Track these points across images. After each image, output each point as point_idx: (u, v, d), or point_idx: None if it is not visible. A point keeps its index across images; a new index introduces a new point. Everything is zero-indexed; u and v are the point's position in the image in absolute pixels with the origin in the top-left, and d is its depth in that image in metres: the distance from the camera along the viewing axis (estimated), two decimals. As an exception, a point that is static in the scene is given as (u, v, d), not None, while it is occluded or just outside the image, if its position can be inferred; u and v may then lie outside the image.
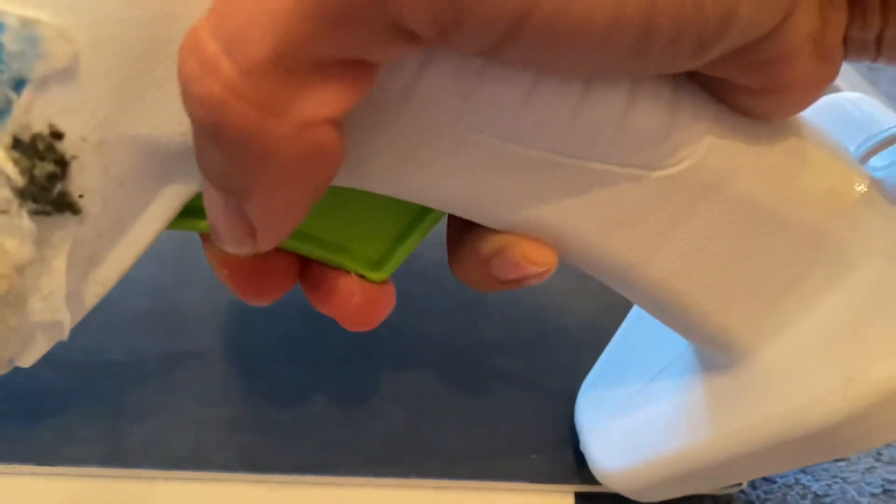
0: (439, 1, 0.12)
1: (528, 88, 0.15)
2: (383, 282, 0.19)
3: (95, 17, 0.14)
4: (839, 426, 0.17)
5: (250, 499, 0.25)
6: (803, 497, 0.27)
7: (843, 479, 0.27)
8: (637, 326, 0.26)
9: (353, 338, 0.28)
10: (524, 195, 0.17)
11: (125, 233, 0.17)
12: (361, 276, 0.19)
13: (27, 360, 0.18)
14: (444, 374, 0.28)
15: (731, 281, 0.19)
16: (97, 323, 0.27)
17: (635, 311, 0.27)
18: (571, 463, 0.26)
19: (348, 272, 0.19)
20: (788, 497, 0.27)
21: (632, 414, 0.24)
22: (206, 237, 0.18)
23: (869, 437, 0.18)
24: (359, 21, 0.12)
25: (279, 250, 0.18)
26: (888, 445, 0.28)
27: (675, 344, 0.23)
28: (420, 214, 0.19)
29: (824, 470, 0.28)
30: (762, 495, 0.27)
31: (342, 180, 0.16)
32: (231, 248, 0.15)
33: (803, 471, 0.28)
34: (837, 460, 0.28)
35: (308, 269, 0.19)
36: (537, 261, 0.18)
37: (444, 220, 0.19)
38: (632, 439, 0.24)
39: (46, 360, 0.17)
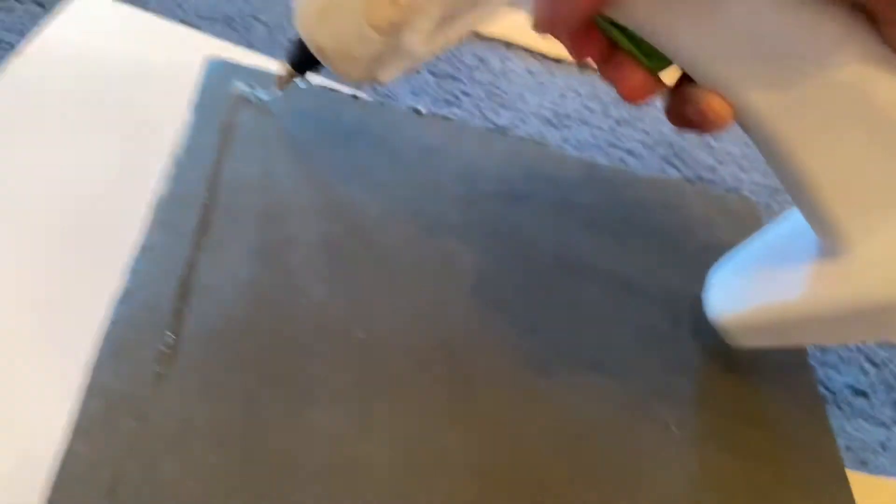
0: None
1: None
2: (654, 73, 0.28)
3: None
4: None
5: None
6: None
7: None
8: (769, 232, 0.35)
9: None
10: (732, 68, 0.25)
11: (473, 8, 0.28)
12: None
13: (386, 77, 0.31)
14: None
15: (856, 176, 0.25)
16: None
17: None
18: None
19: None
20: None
21: (751, 275, 0.33)
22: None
23: None
24: None
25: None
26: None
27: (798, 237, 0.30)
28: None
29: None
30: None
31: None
32: (541, 26, 0.25)
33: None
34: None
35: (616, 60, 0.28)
36: (716, 110, 0.26)
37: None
38: (746, 291, 0.33)
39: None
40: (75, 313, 0.30)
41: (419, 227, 0.37)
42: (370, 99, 0.42)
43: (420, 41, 0.29)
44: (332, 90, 0.41)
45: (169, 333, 0.29)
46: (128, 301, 0.30)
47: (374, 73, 0.31)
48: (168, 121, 0.37)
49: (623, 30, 0.27)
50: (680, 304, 0.38)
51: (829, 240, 0.28)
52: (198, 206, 0.33)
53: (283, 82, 0.36)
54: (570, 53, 0.28)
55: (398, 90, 0.46)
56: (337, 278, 0.33)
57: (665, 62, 0.27)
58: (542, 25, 0.25)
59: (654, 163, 0.48)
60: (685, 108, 0.27)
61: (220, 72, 0.39)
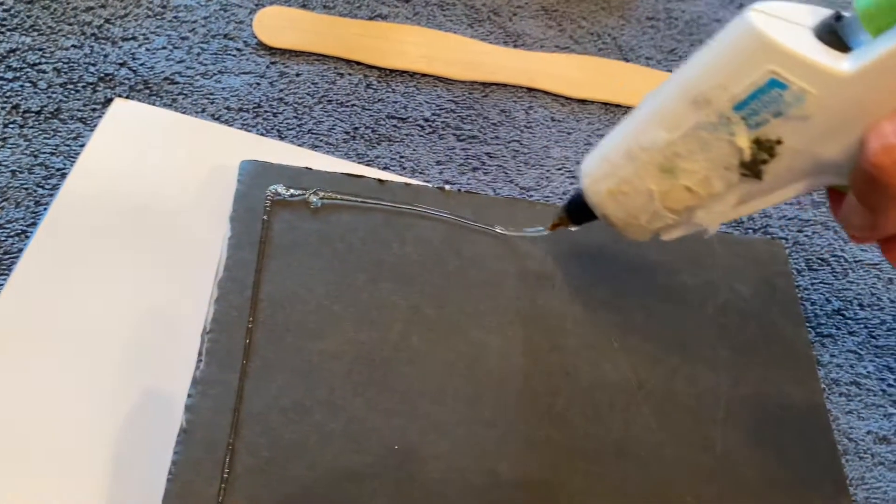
0: None
1: None
2: None
3: (828, 92, 0.26)
4: None
5: None
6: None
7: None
8: None
9: None
10: None
11: (769, 194, 0.30)
12: None
13: (670, 238, 0.34)
14: None
15: None
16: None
17: None
18: None
19: None
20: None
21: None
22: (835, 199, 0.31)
23: None
24: None
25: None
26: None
27: None
28: None
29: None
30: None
31: None
32: (857, 234, 0.29)
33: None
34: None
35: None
36: None
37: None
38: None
39: None
40: (134, 450, 0.34)
41: (448, 323, 0.39)
42: (397, 180, 0.44)
43: (714, 220, 0.32)
44: (357, 176, 0.42)
45: (226, 469, 0.33)
46: (186, 441, 0.33)
47: (657, 235, 0.35)
48: (209, 224, 0.40)
49: None
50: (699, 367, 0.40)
51: None
52: (242, 330, 0.36)
53: (555, 227, 0.39)
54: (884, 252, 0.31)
55: (424, 159, 0.47)
56: (371, 391, 0.36)
57: None
58: (860, 238, 0.30)
59: (680, 207, 0.49)
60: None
61: (253, 173, 0.41)
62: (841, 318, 0.47)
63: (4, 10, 0.46)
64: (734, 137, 0.29)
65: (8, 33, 0.45)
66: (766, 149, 0.28)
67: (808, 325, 0.46)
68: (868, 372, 0.45)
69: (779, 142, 0.28)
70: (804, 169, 0.29)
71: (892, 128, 0.25)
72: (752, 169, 0.29)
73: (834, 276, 0.49)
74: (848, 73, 0.25)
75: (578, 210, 0.37)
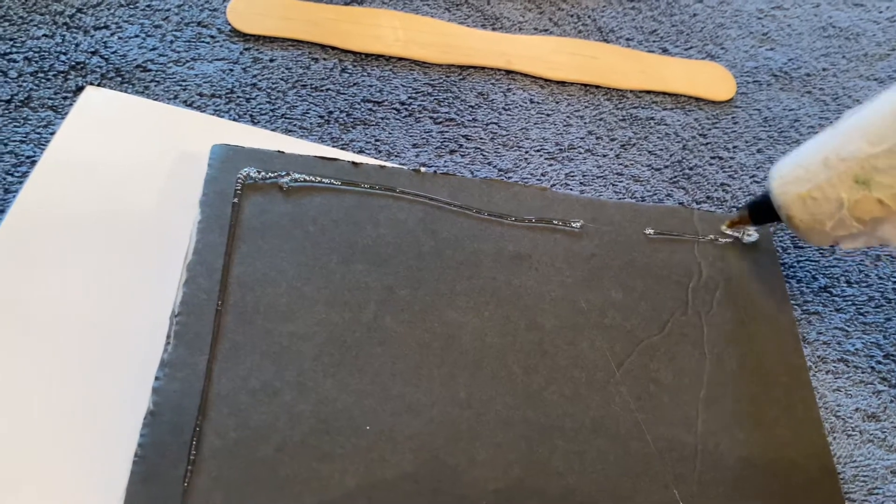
0: None
1: None
2: None
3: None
4: None
5: None
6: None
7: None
8: None
9: None
10: None
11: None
12: None
13: (849, 247, 0.37)
14: None
15: None
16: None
17: None
18: None
19: None
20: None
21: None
22: None
23: None
24: None
25: None
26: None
27: None
28: None
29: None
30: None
31: None
32: None
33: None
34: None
35: None
36: None
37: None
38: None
39: None
40: (101, 432, 0.33)
41: (423, 303, 0.39)
42: (371, 162, 0.43)
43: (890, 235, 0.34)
44: (330, 159, 0.42)
45: (193, 451, 0.32)
46: (153, 423, 0.33)
47: (839, 245, 0.37)
48: (179, 210, 0.39)
49: None
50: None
51: None
52: (211, 313, 0.36)
53: (735, 224, 0.42)
54: None
55: (400, 142, 0.47)
56: (343, 372, 0.36)
57: None
58: None
59: (661, 186, 0.48)
60: None
61: (224, 157, 0.41)
62: (828, 295, 0.46)
63: (-25, 1, 0.46)
64: None
65: (-22, 24, 0.45)
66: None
67: (793, 302, 0.45)
68: (856, 349, 0.44)
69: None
70: None
71: None
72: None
73: (821, 253, 0.48)
74: None
75: (763, 210, 0.39)
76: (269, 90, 0.46)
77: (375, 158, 0.45)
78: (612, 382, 0.38)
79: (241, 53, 0.48)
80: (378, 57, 0.50)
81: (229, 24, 0.48)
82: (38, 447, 0.33)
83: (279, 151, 0.41)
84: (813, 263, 0.47)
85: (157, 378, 0.34)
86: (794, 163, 0.37)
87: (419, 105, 0.48)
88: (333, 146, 0.45)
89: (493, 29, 0.54)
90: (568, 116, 0.50)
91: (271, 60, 0.48)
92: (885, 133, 0.32)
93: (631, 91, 0.53)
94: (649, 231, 0.44)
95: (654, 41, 0.56)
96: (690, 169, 0.50)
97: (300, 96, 0.47)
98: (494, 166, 0.47)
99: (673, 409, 0.38)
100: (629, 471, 0.36)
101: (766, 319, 0.42)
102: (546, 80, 0.52)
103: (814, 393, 0.41)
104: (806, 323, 0.45)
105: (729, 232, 0.44)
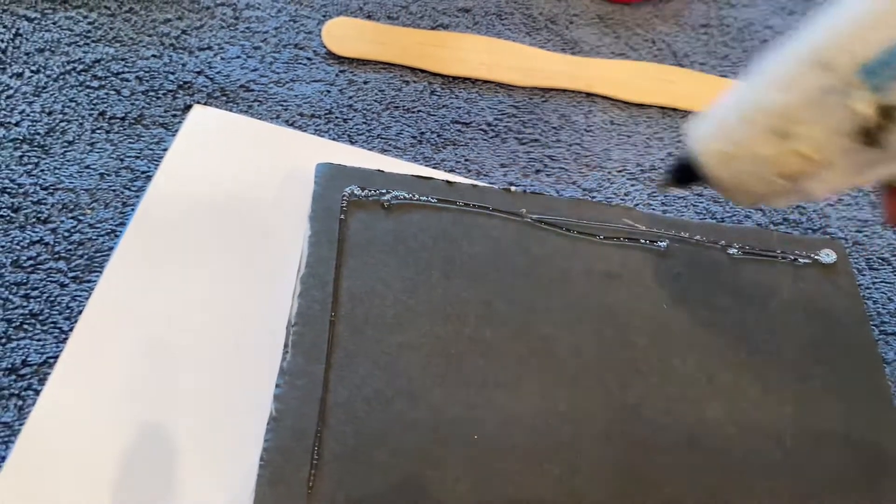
0: None
1: None
2: None
3: None
4: None
5: None
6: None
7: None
8: None
9: None
10: None
11: (883, 165, 0.29)
12: None
13: (777, 205, 0.36)
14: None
15: None
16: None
17: None
18: None
19: None
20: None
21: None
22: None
23: None
24: None
25: None
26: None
27: None
28: None
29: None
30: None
31: None
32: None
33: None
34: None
35: None
36: None
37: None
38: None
39: None
40: (225, 436, 0.35)
41: (519, 319, 0.40)
42: (464, 182, 0.45)
43: (824, 189, 0.31)
44: (425, 178, 0.44)
45: (315, 456, 0.34)
46: (276, 428, 0.34)
47: (765, 203, 0.34)
48: (287, 225, 0.41)
49: None
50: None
51: None
52: (325, 323, 0.38)
53: (663, 187, 0.39)
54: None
55: (488, 162, 0.48)
56: (449, 382, 0.37)
57: None
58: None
59: (740, 208, 0.50)
60: None
61: (329, 175, 0.43)
62: (904, 316, 0.47)
63: (89, 23, 0.48)
64: (855, 103, 0.28)
65: (93, 44, 0.47)
66: (887, 116, 0.27)
67: (871, 323, 0.46)
68: (933, 370, 0.45)
69: None
70: None
71: None
72: (870, 137, 0.28)
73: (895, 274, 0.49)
74: None
75: (685, 172, 0.36)
76: (364, 111, 0.49)
77: (466, 177, 0.47)
78: (704, 398, 0.40)
79: (336, 75, 0.50)
80: (465, 80, 0.52)
81: (325, 47, 0.51)
82: (165, 454, 0.35)
83: (379, 170, 0.43)
84: (888, 285, 0.48)
85: (277, 385, 0.36)
86: (711, 119, 0.34)
87: (505, 126, 0.50)
88: (426, 165, 0.47)
89: (572, 53, 0.55)
90: (648, 138, 0.52)
91: (365, 83, 0.50)
92: (799, 81, 0.29)
93: (706, 114, 0.54)
94: (733, 251, 0.45)
95: (726, 66, 0.57)
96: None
97: (393, 117, 0.49)
98: (579, 186, 0.48)
99: (762, 424, 0.39)
100: (723, 484, 0.37)
101: (848, 339, 0.44)
102: (625, 102, 0.53)
103: (896, 413, 0.42)
104: (884, 343, 0.46)
105: (663, 194, 0.40)
